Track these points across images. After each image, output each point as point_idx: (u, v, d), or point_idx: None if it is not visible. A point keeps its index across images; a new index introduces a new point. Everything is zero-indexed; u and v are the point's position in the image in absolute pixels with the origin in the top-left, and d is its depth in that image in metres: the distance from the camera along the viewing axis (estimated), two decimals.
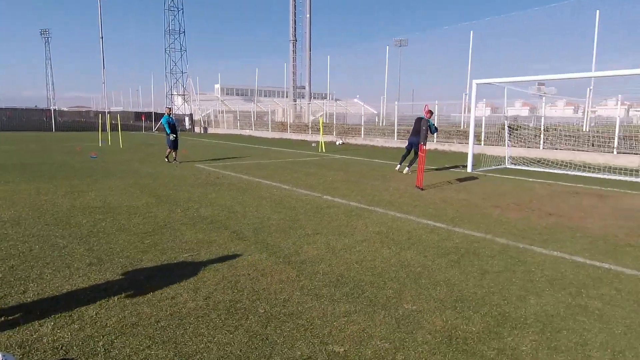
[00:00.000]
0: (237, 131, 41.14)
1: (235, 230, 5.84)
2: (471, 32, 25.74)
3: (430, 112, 12.22)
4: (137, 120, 43.79)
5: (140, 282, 4.01)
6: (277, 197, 8.22)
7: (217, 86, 74.67)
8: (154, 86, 55.40)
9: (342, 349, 2.92)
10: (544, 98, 19.90)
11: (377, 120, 33.09)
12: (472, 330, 3.22)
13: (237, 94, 78.46)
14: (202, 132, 45.50)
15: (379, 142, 25.04)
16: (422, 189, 9.29)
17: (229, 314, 3.39)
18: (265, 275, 4.21)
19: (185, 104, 51.97)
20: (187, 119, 48.29)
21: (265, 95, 77.53)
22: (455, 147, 21.31)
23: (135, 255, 4.74)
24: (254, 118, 40.00)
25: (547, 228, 6.23)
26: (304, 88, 41.96)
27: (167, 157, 14.16)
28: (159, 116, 41.13)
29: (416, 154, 11.69)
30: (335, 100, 65.77)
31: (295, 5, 40.62)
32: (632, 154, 15.14)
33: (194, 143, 26.11)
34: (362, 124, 27.17)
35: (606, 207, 7.80)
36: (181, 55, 51.00)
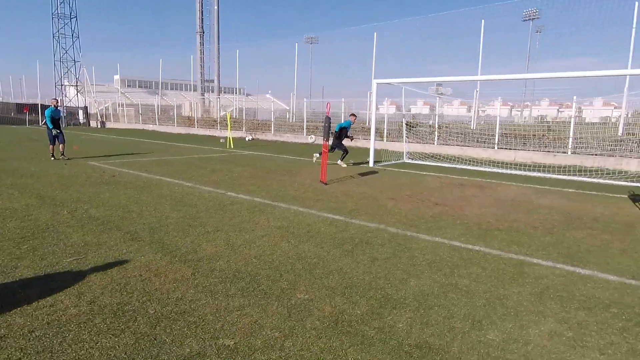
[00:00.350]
0: (140, 126, 38.66)
1: (129, 230, 5.56)
2: (375, 33, 27.04)
3: (354, 116, 13.50)
4: (20, 113, 39.05)
5: (14, 291, 3.67)
6: (178, 195, 7.96)
7: (117, 77, 69.45)
8: (41, 75, 49.82)
9: (232, 342, 2.98)
10: (437, 98, 21.64)
11: (287, 116, 33.38)
12: (357, 313, 3.48)
13: (140, 86, 73.65)
14: (98, 126, 41.98)
15: (289, 138, 25.30)
16: (325, 184, 9.63)
17: (116, 317, 3.26)
18: (159, 276, 4.11)
19: (79, 95, 47.49)
20: (80, 112, 44.20)
21: (171, 88, 73.74)
22: (361, 143, 22.30)
23: (8, 262, 4.30)
24: (158, 112, 37.90)
25: (433, 217, 6.86)
26: (213, 82, 40.75)
27: (52, 154, 12.89)
28: (46, 108, 37.10)
29: (336, 149, 13.05)
30: (247, 95, 64.88)
31: None
32: (509, 149, 17.16)
33: (88, 138, 24.05)
34: (272, 119, 27.19)
35: (484, 197, 8.80)
36: (73, 42, 46.41)
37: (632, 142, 14.54)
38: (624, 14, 18.83)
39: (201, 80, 40.94)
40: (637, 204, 8.31)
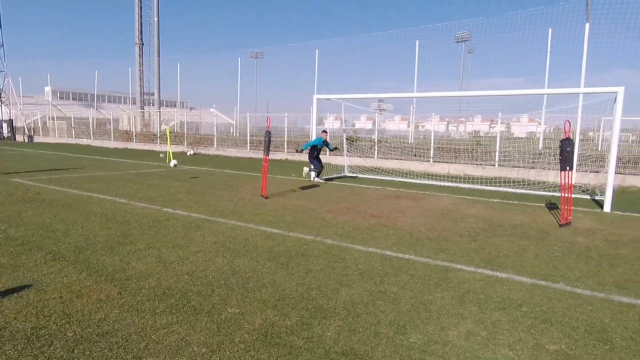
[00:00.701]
0: (73, 140, 36.47)
1: (51, 250, 5.25)
2: (316, 50, 27.60)
3: (325, 132, 13.78)
4: None
5: None
6: (109, 212, 7.62)
7: (48, 89, 65.40)
8: None
9: None
10: (376, 114, 22.42)
11: (232, 130, 33.00)
12: (287, 324, 3.52)
13: (74, 99, 69.77)
14: (25, 140, 39.09)
15: (232, 152, 25.00)
16: (266, 198, 9.63)
17: (29, 342, 3.07)
18: (81, 296, 3.91)
19: (4, 107, 44.06)
20: (5, 125, 40.97)
21: (109, 101, 70.48)
22: (305, 157, 22.48)
23: None
24: (93, 126, 36.01)
25: (369, 228, 7.09)
26: (153, 95, 39.46)
27: None
28: None
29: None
30: (190, 109, 63.39)
31: (141, 7, 38.07)
32: (443, 162, 18.10)
33: (13, 154, 22.34)
34: (215, 134, 26.76)
35: (417, 208, 9.21)
36: None
37: (550, 155, 15.88)
38: (542, 39, 20.67)
39: (140, 93, 39.48)
40: (552, 212, 9.08)
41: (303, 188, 11.71)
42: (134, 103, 42.03)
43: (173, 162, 17.07)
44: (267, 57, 41.74)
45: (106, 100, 70.20)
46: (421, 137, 27.92)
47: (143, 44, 38.48)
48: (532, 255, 5.74)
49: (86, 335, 3.21)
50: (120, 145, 31.55)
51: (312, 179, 13.37)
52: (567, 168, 7.65)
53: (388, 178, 15.00)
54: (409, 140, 22.34)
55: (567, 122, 7.76)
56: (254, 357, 3.01)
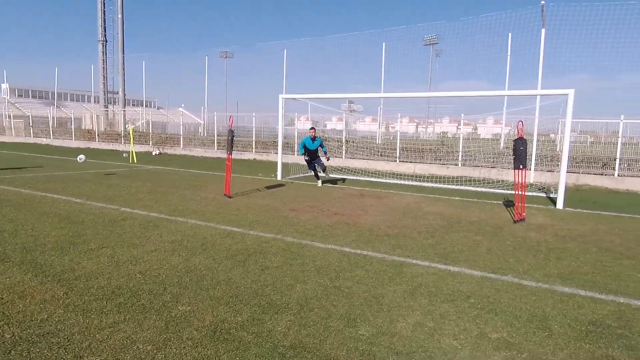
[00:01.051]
0: (31, 139, 34.97)
1: None
2: (285, 50, 27.58)
3: (313, 129, 12.66)
4: None
5: None
6: (63, 212, 7.36)
7: (5, 86, 62.65)
8: None
9: (97, 359, 2.85)
10: (344, 114, 22.59)
11: (200, 130, 32.50)
12: (238, 320, 3.51)
13: (34, 97, 67.06)
14: None
15: (199, 152, 24.62)
16: (230, 197, 9.54)
17: None
18: (24, 297, 3.77)
19: None
20: None
21: (71, 100, 68.09)
22: (273, 156, 22.41)
23: None
24: (53, 124, 34.65)
25: (330, 226, 7.14)
26: (118, 93, 38.32)
27: None
28: None
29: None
30: (158, 109, 61.95)
31: (104, 3, 36.93)
32: (409, 162, 18.42)
33: None
34: (181, 133, 26.28)
35: (380, 206, 9.35)
36: None
37: (510, 155, 16.43)
38: (504, 43, 21.40)
39: (104, 91, 38.28)
40: (509, 209, 9.41)
41: (269, 187, 11.67)
42: (98, 102, 40.73)
43: (80, 157, 15.72)
44: (237, 56, 41.34)
45: (68, 99, 67.83)
46: (391, 138, 28.36)
47: (106, 41, 37.32)
48: (485, 250, 5.93)
49: (25, 336, 3.10)
50: (82, 144, 30.50)
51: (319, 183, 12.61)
52: (521, 166, 7.95)
53: (354, 177, 15.15)
54: (377, 141, 22.62)
55: (520, 122, 8.06)
56: (200, 353, 2.99)
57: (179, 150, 25.60)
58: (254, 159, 22.51)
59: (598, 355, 3.15)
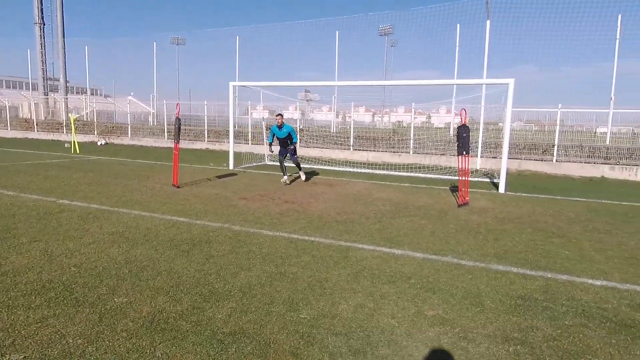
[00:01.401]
0: None
1: None
2: (237, 36, 26.97)
3: (280, 115, 10.90)
4: None
5: None
6: None
7: None
8: None
9: (22, 356, 2.70)
10: (299, 103, 22.49)
11: (150, 119, 31.28)
12: (178, 309, 3.44)
13: None
14: None
15: (148, 142, 23.72)
16: (178, 187, 9.28)
17: None
18: None
19: None
20: None
21: (6, 87, 63.36)
22: (226, 146, 21.99)
23: None
24: None
25: (280, 213, 7.12)
26: (59, 80, 36.02)
27: None
28: None
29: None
30: (105, 97, 58.88)
31: None
32: (363, 150, 18.67)
33: None
34: (129, 122, 25.18)
35: (332, 193, 9.42)
36: None
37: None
38: (453, 34, 22.03)
39: (43, 78, 35.89)
40: (454, 194, 9.77)
41: (220, 177, 11.45)
42: (36, 89, 38.15)
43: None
44: (189, 43, 40.04)
45: (3, 86, 63.12)
46: (347, 127, 28.53)
47: (44, 24, 34.93)
48: (428, 233, 6.13)
49: None
50: (19, 134, 28.54)
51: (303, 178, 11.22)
52: (464, 153, 8.26)
53: (308, 166, 15.15)
54: (332, 129, 22.74)
55: (463, 109, 8.36)
56: (135, 344, 2.90)
57: (127, 140, 24.54)
58: (207, 148, 21.99)
59: (524, 326, 3.35)
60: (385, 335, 3.15)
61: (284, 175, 10.77)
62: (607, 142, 18.28)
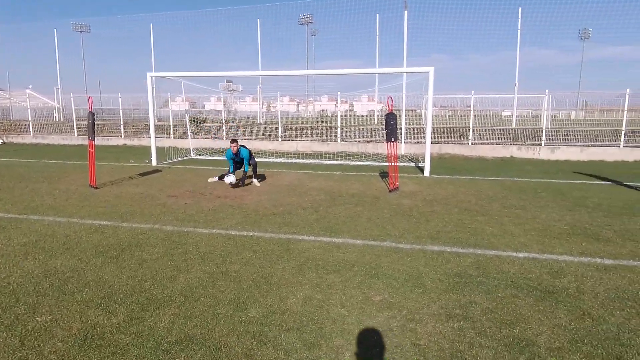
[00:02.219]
0: None
1: None
2: (151, 24, 25.38)
3: (234, 142, 9.12)
4: None
5: None
6: None
7: None
8: None
9: None
10: (223, 94, 21.82)
11: (54, 114, 28.42)
12: (113, 322, 3.15)
13: None
14: None
15: (55, 139, 21.59)
16: (96, 188, 8.54)
17: None
18: None
19: None
20: None
21: None
22: (146, 141, 20.72)
23: None
24: None
25: (213, 210, 6.84)
26: None
27: None
28: None
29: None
30: None
31: None
32: (292, 140, 18.62)
33: None
34: (30, 118, 22.69)
35: (264, 185, 9.27)
36: None
37: (383, 130, 17.66)
38: (373, 24, 22.61)
39: None
40: (384, 179, 10.10)
41: (142, 174, 10.74)
42: None
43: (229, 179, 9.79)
44: (94, 30, 36.83)
45: None
46: (273, 118, 28.23)
47: None
48: (365, 220, 6.27)
49: None
50: None
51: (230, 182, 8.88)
52: (392, 139, 8.54)
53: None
54: (258, 120, 22.37)
55: (389, 97, 8.62)
56: None
57: (29, 139, 22.12)
58: (124, 144, 20.54)
59: (464, 302, 3.55)
60: (337, 326, 3.16)
61: (223, 178, 9.04)
62: (513, 125, 20.05)
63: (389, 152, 8.68)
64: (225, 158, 9.32)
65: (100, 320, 3.17)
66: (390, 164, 8.76)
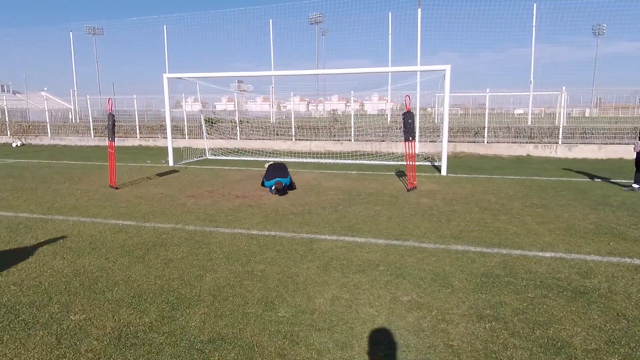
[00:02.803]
0: None
1: None
2: (164, 26, 25.61)
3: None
4: None
5: None
6: None
7: None
8: None
9: None
10: (236, 94, 21.91)
11: (70, 116, 28.85)
12: (146, 321, 3.19)
13: None
14: None
15: (73, 141, 21.91)
16: (116, 188, 8.65)
17: None
18: None
19: None
20: None
21: None
22: (161, 142, 20.92)
23: None
24: None
25: (233, 209, 6.88)
26: None
27: None
28: None
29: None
30: (14, 93, 53.38)
31: None
32: (305, 140, 18.63)
33: None
34: (48, 120, 23.06)
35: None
36: None
37: (397, 129, 17.59)
38: (384, 22, 22.53)
39: None
40: (401, 178, 10.05)
41: (160, 175, 10.84)
42: None
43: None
44: (107, 33, 37.24)
45: None
46: (284, 117, 28.26)
47: None
48: (385, 219, 6.24)
49: None
50: None
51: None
52: (410, 138, 8.49)
53: (252, 158, 14.85)
54: (271, 120, 22.43)
55: (407, 96, 8.57)
56: None
57: (47, 140, 22.48)
58: (140, 145, 20.76)
59: (493, 302, 3.52)
60: (367, 326, 3.15)
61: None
62: (529, 123, 19.80)
63: (407, 151, 8.63)
64: (265, 187, 8.35)
65: (132, 319, 3.21)
66: (408, 163, 8.71)
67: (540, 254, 4.70)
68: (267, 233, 5.53)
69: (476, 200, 7.56)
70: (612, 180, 9.50)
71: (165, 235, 5.42)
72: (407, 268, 4.29)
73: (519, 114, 24.29)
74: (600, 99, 30.45)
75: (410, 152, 8.58)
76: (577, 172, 11.06)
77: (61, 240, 5.18)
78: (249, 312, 3.34)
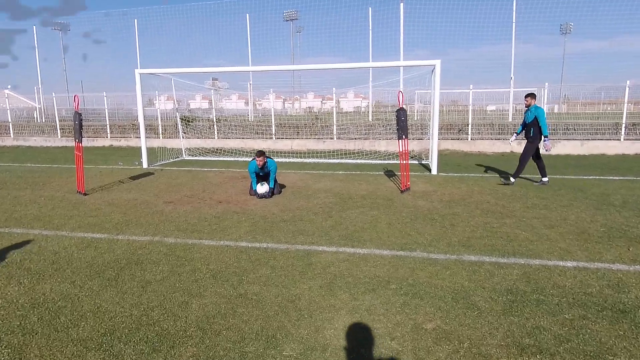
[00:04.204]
0: None
1: None
2: (135, 20, 24.45)
3: (260, 154, 7.71)
4: None
5: None
6: None
7: None
8: None
9: None
10: (212, 91, 21.09)
11: (35, 115, 27.29)
12: None
13: None
14: None
15: (38, 141, 20.62)
16: (84, 194, 7.87)
17: None
18: None
19: None
20: None
21: None
22: (134, 142, 19.90)
23: None
24: None
25: (217, 217, 6.25)
26: None
27: None
28: None
29: None
30: None
31: None
32: (286, 138, 18.01)
33: None
34: (10, 120, 21.63)
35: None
36: None
37: (380, 126, 17.19)
38: (365, 19, 22.06)
39: None
40: (391, 179, 9.60)
41: (134, 178, 10.06)
42: None
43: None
44: (74, 28, 35.48)
45: None
46: (260, 115, 27.50)
47: None
48: (385, 225, 5.75)
49: None
50: None
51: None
52: (404, 136, 8.03)
53: (232, 158, 14.15)
54: (249, 118, 21.69)
55: (400, 92, 8.10)
56: None
57: (10, 141, 21.10)
58: (111, 145, 19.69)
59: (529, 328, 3.06)
60: None
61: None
62: (510, 119, 19.76)
63: (401, 149, 8.17)
64: (250, 170, 7.79)
65: None
66: (402, 162, 8.25)
67: (561, 263, 4.29)
68: (257, 245, 4.94)
69: (475, 201, 7.16)
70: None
71: (142, 251, 4.76)
72: (421, 285, 3.79)
73: (491, 111, 24.30)
74: (567, 95, 30.91)
75: (404, 150, 8.11)
76: (564, 168, 10.87)
77: (19, 260, 4.46)
78: (248, 352, 2.77)
